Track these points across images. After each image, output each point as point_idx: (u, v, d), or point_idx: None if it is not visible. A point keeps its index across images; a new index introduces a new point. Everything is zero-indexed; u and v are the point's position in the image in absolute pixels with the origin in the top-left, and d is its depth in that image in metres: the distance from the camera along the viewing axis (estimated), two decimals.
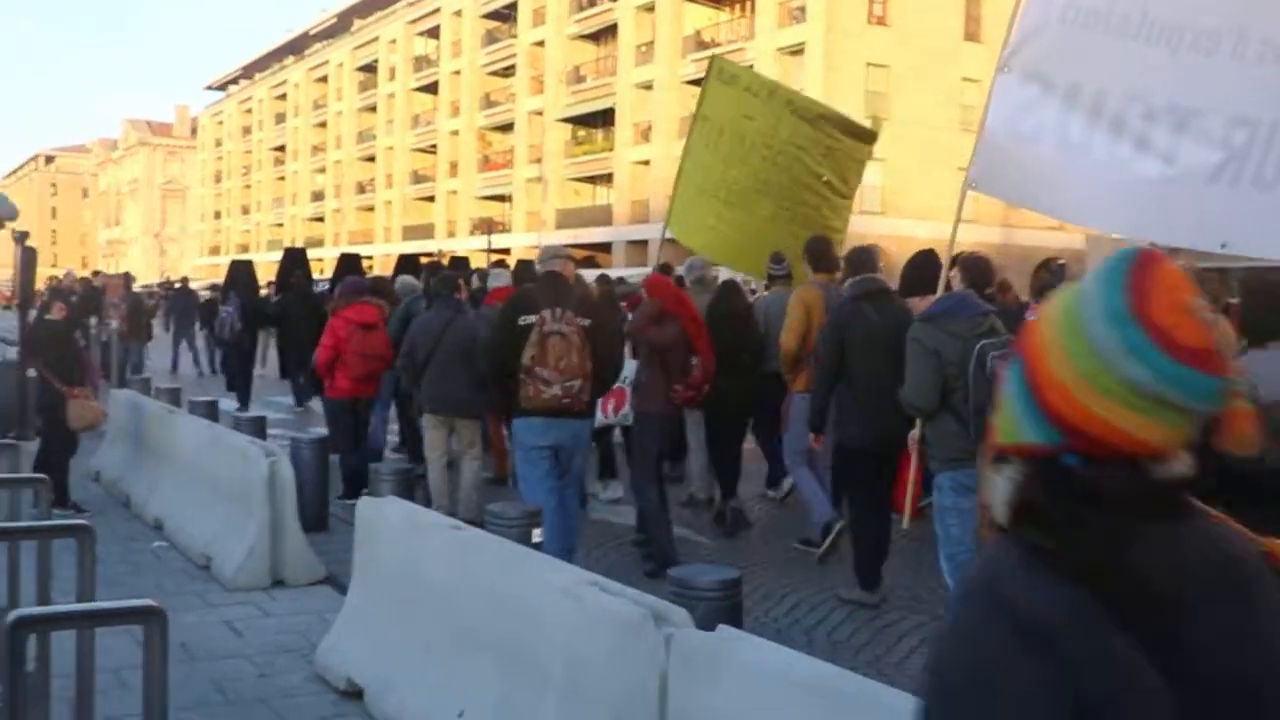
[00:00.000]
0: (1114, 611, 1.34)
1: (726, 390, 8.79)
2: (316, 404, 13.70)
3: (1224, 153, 6.40)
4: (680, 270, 10.33)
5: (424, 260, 19.17)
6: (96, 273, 26.84)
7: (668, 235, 10.77)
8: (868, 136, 10.98)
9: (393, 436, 12.28)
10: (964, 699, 1.35)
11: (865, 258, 7.83)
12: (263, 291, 21.46)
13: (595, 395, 7.61)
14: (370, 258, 58.70)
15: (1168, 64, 6.43)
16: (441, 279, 10.10)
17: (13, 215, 14.14)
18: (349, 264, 16.31)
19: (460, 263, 16.60)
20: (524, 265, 13.87)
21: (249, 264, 21.85)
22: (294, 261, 18.58)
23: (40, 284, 21.90)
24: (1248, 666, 1.39)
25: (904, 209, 42.00)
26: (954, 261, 6.85)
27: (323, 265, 44.31)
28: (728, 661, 3.53)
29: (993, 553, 1.48)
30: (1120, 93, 6.58)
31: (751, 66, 46.09)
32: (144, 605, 3.09)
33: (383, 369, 10.48)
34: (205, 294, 29.46)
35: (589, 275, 12.16)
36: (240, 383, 18.28)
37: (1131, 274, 1.42)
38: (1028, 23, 6.78)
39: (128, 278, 24.42)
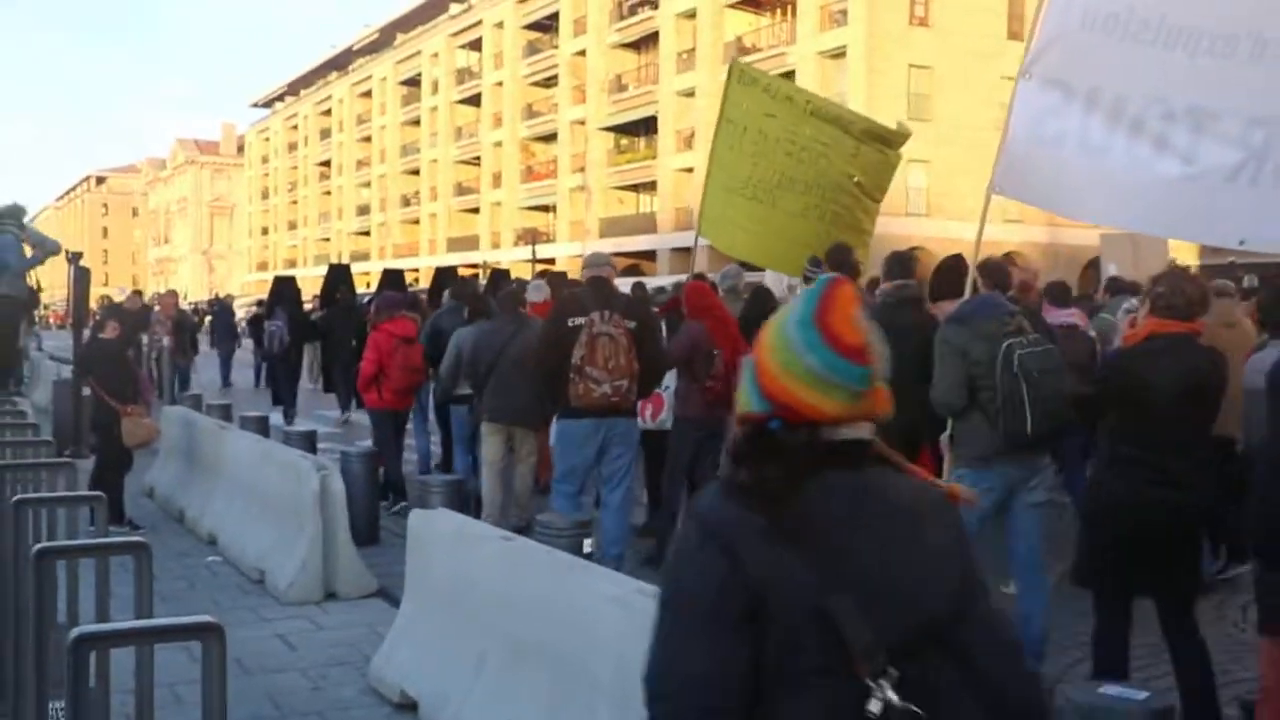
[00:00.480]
0: (789, 530, 1.94)
1: None
2: (361, 415, 13.80)
3: (1243, 152, 6.55)
4: (714, 278, 10.34)
5: (462, 272, 19.30)
6: (137, 291, 27.03)
7: (703, 242, 10.84)
8: (895, 140, 10.77)
9: (435, 446, 12.37)
10: (671, 577, 2.06)
11: (903, 262, 7.94)
12: (306, 306, 21.76)
13: (641, 395, 7.86)
14: (416, 270, 59.14)
15: (1186, 67, 6.55)
16: (507, 293, 10.25)
17: (56, 250, 14.39)
18: (391, 279, 16.51)
19: (502, 275, 16.71)
20: (558, 277, 13.96)
21: (293, 279, 22.36)
22: (338, 277, 18.84)
23: (93, 303, 22.19)
24: (898, 575, 1.98)
25: (949, 210, 41.72)
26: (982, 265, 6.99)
27: (369, 279, 44.65)
28: None
29: (711, 490, 2.10)
30: (1140, 96, 6.70)
31: (793, 72, 46.13)
32: (203, 622, 3.11)
33: (421, 381, 10.80)
34: (251, 309, 29.77)
35: (624, 284, 12.16)
36: (287, 396, 18.61)
37: (822, 293, 2.07)
38: (1048, 30, 6.83)
39: (174, 295, 24.80)
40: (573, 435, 7.69)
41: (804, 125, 10.07)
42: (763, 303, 9.84)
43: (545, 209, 64.28)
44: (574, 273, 17.99)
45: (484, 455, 9.56)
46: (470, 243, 68.42)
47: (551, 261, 52.27)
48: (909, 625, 1.98)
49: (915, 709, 1.90)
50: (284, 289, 20.89)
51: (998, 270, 6.90)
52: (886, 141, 10.64)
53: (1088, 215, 7.66)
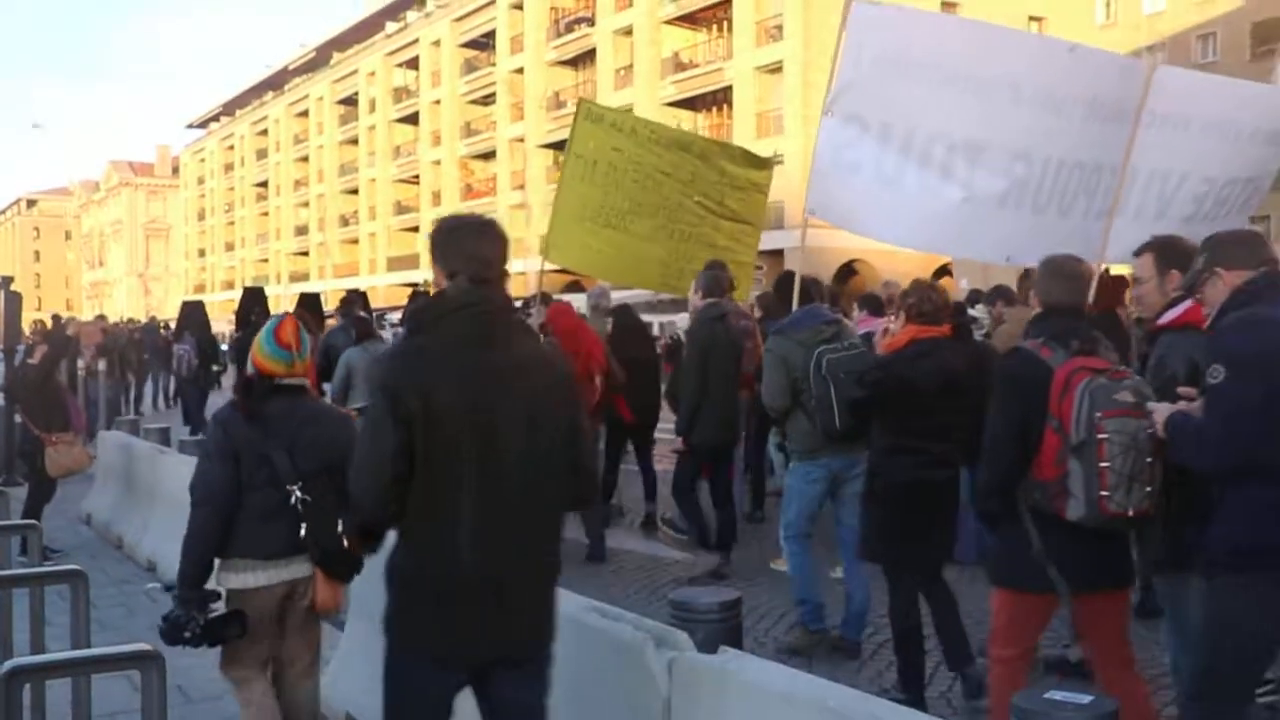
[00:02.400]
0: (255, 421, 4.58)
1: (630, 403, 10.11)
2: None
3: (1007, 181, 7.80)
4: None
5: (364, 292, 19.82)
6: (56, 316, 26.77)
7: (547, 266, 11.59)
8: (758, 163, 11.63)
9: None
10: (205, 444, 4.94)
11: (715, 284, 8.78)
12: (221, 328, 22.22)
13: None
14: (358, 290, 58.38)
15: (961, 105, 7.69)
16: (412, 312, 10.50)
17: None
18: (307, 302, 16.80)
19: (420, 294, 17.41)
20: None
21: (200, 304, 22.98)
22: (253, 300, 19.25)
23: (27, 328, 21.89)
24: (309, 441, 4.58)
25: None
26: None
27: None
28: (730, 683, 3.52)
29: (228, 406, 4.72)
30: (926, 131, 7.78)
31: (730, 87, 46.40)
32: (140, 650, 3.05)
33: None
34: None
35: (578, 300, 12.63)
36: (197, 417, 18.80)
37: (278, 320, 4.78)
38: (845, 73, 7.79)
39: (101, 320, 24.73)
40: None
41: (648, 154, 10.95)
42: (623, 317, 10.94)
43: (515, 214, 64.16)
44: (518, 290, 18.32)
45: None
46: (410, 261, 68.08)
47: None
48: (314, 465, 4.52)
49: (309, 498, 4.47)
50: (191, 313, 21.34)
51: (814, 286, 7.99)
52: (751, 164, 11.57)
53: (884, 237, 8.61)
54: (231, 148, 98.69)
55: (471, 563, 3.35)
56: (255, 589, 4.52)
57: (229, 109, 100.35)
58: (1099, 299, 7.62)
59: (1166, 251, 4.82)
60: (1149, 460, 4.16)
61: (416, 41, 69.52)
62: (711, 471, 8.89)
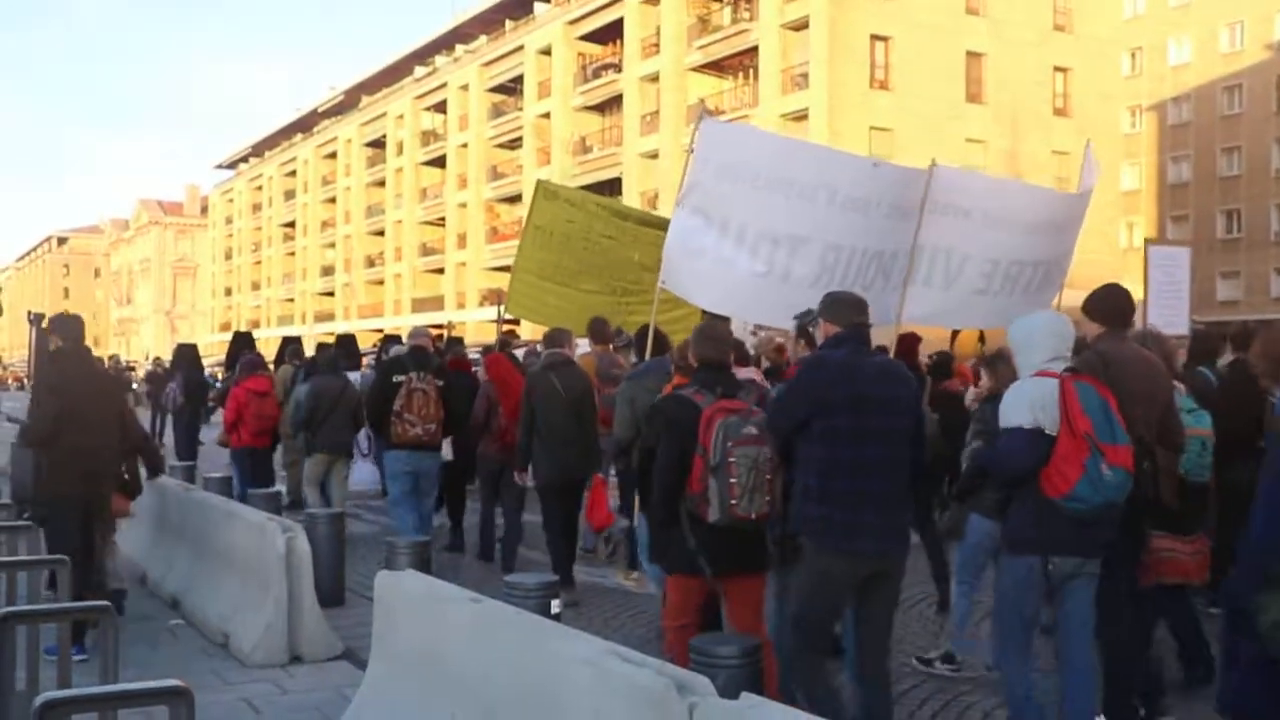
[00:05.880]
0: None
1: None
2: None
3: (820, 268, 9.31)
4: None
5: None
6: (114, 357, 28.01)
7: (505, 315, 13.93)
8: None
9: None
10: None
11: (558, 337, 10.11)
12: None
13: (446, 435, 10.77)
14: (380, 331, 58.47)
15: (784, 207, 9.24)
16: (329, 357, 13.35)
17: None
18: (289, 344, 17.84)
19: (393, 339, 18.56)
20: (455, 340, 16.00)
21: (193, 346, 25.62)
22: (242, 343, 20.01)
23: None
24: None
25: None
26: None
27: (331, 339, 44.24)
28: None
29: None
30: (754, 226, 9.28)
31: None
32: (171, 686, 3.10)
33: (272, 426, 13.95)
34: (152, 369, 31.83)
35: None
36: (184, 447, 20.64)
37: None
38: (692, 175, 9.32)
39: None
40: (395, 463, 10.52)
41: (596, 224, 12.88)
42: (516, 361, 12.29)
43: (510, 269, 64.26)
44: (534, 334, 19.35)
45: (307, 474, 12.56)
46: (435, 303, 68.34)
47: (517, 322, 52.23)
48: None
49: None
50: (183, 354, 23.84)
51: (666, 340, 9.55)
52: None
53: (718, 308, 9.92)
54: (260, 188, 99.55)
55: (88, 460, 7.51)
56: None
57: (258, 150, 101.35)
58: (899, 352, 9.56)
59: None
60: (768, 477, 5.50)
61: (445, 85, 70.13)
62: (565, 506, 9.72)
